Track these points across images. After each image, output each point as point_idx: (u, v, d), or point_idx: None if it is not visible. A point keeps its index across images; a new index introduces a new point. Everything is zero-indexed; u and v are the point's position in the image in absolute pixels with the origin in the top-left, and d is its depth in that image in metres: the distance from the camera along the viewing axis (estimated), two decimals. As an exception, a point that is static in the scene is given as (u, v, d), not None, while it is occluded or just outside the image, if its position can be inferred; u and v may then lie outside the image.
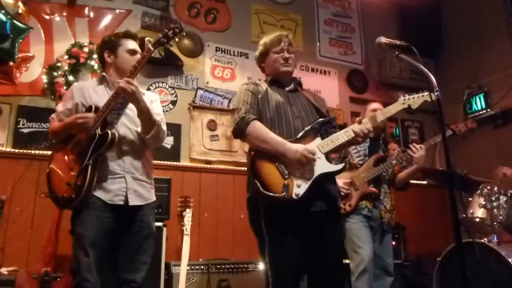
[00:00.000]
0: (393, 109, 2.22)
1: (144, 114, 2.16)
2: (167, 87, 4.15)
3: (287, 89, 2.24)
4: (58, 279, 2.72)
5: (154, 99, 2.40)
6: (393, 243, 3.23)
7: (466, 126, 3.04)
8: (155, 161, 3.61)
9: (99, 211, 2.06)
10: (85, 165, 2.07)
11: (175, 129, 4.04)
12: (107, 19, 4.04)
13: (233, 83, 4.46)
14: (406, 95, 2.26)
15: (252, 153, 2.02)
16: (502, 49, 4.81)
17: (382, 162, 2.95)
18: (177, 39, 2.20)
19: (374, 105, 3.15)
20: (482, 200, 3.15)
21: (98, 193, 2.09)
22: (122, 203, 2.12)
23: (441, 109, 1.75)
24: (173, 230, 3.42)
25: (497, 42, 4.86)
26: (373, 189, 2.92)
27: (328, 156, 2.03)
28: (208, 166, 4.09)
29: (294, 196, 1.88)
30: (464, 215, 3.32)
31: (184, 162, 4.01)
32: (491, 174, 3.53)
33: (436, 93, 1.73)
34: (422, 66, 1.85)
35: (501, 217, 3.05)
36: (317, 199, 1.96)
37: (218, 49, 4.49)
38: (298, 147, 1.94)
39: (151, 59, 4.00)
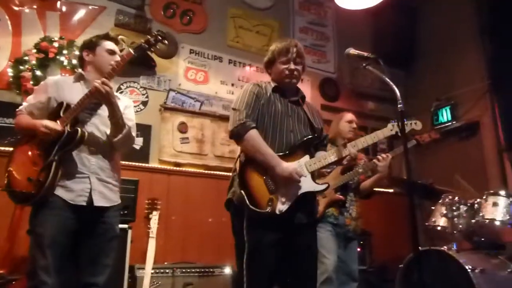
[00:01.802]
0: (381, 134, 2.28)
1: (115, 117, 2.15)
2: (138, 87, 4.12)
3: (289, 99, 2.26)
4: (14, 282, 2.63)
5: (129, 105, 2.40)
6: (359, 249, 3.29)
7: (430, 137, 3.15)
8: (123, 162, 3.56)
9: (60, 210, 2.01)
10: (50, 160, 2.02)
11: (145, 130, 4.01)
12: (79, 14, 3.97)
13: (206, 86, 4.47)
14: (395, 121, 2.30)
15: (243, 160, 2.09)
16: (471, 64, 5.01)
17: (349, 171, 3.02)
18: (158, 47, 2.23)
19: (349, 117, 3.23)
20: (444, 209, 3.26)
21: (60, 192, 2.04)
22: (84, 203, 2.08)
23: (403, 121, 1.82)
24: (139, 232, 3.38)
25: (467, 58, 5.06)
26: (340, 196, 2.99)
27: (313, 175, 2.10)
28: (178, 168, 4.07)
29: (277, 212, 1.98)
30: (427, 223, 3.44)
31: (153, 164, 3.98)
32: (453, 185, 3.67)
33: (399, 105, 1.80)
34: (387, 79, 1.91)
35: (461, 226, 3.17)
36: (298, 213, 2.04)
37: (192, 51, 4.49)
38: (289, 166, 2.02)
39: (123, 58, 4.01)
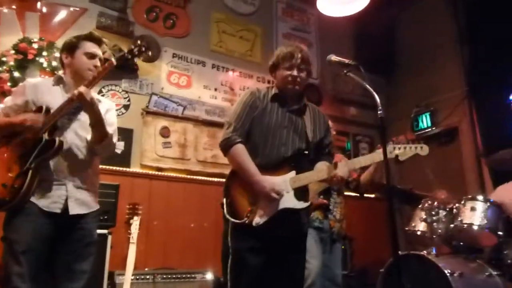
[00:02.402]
0: (377, 157, 2.20)
1: (97, 125, 2.11)
2: (120, 90, 4.08)
3: (288, 109, 2.24)
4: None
5: (110, 108, 2.33)
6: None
7: (405, 138, 3.20)
8: (103, 166, 3.53)
9: (35, 217, 1.96)
10: (26, 168, 1.98)
11: (126, 134, 3.96)
12: (60, 16, 3.91)
13: (189, 90, 4.45)
14: (394, 143, 2.25)
15: (232, 168, 2.13)
16: (450, 71, 5.12)
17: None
18: (141, 58, 2.22)
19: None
20: (423, 214, 3.31)
21: (35, 199, 1.99)
22: (59, 211, 2.03)
23: (383, 127, 1.84)
24: (119, 238, 3.33)
25: (446, 65, 5.17)
26: (324, 200, 3.00)
27: (297, 191, 2.09)
28: (160, 173, 4.03)
29: (253, 224, 1.99)
30: (407, 228, 3.48)
31: (134, 168, 3.93)
32: (433, 190, 3.72)
33: (379, 111, 1.83)
34: (367, 85, 1.94)
35: (440, 231, 3.22)
36: (279, 227, 2.03)
37: (175, 55, 4.46)
38: (266, 183, 2.01)
39: (105, 61, 3.94)
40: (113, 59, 2.12)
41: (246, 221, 1.98)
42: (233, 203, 2.05)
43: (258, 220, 1.99)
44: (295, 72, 2.18)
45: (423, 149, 2.31)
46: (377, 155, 2.21)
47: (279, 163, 2.11)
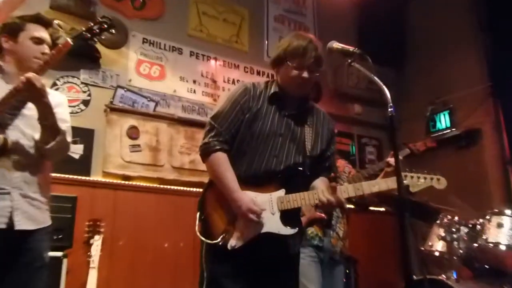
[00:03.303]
0: (384, 185, 2.12)
1: (48, 120, 2.08)
2: (78, 83, 4.02)
3: (287, 113, 2.20)
4: None
5: (61, 102, 2.30)
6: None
7: (425, 145, 3.22)
8: (57, 174, 3.48)
9: None
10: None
11: (86, 136, 3.91)
12: (5, -7, 3.85)
13: (162, 83, 4.42)
14: (408, 172, 2.22)
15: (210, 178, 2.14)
16: (469, 64, 5.17)
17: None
18: (103, 37, 2.17)
19: None
20: (441, 231, 3.32)
21: None
22: (4, 226, 1.99)
23: (393, 126, 1.83)
24: (77, 261, 3.28)
25: (465, 57, 5.22)
26: (322, 214, 2.99)
27: (284, 214, 2.06)
28: (126, 182, 3.99)
29: (228, 247, 1.99)
30: (423, 248, 3.49)
31: (95, 177, 3.88)
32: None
33: (389, 109, 1.82)
34: (375, 78, 1.92)
35: (461, 251, 3.23)
36: (259, 251, 2.02)
37: (146, 40, 4.43)
38: (243, 203, 1.99)
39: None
40: (68, 39, 2.07)
41: (220, 243, 1.99)
42: (208, 219, 2.06)
43: (233, 243, 2.00)
44: (305, 74, 2.12)
45: (440, 182, 2.32)
46: (385, 183, 2.11)
47: (267, 177, 2.09)
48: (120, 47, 4.28)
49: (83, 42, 3.98)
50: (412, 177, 2.24)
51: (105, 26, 2.14)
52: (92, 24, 2.13)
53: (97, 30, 2.13)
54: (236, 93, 2.19)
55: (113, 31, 2.17)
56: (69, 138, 2.23)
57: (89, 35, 2.13)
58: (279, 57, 2.21)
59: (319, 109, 2.36)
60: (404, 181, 2.20)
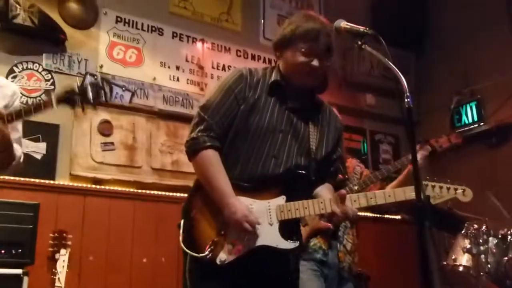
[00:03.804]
0: (401, 195, 2.11)
1: (4, 151, 2.12)
2: (40, 69, 4.03)
3: (289, 106, 2.21)
4: None
5: (14, 93, 2.31)
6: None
7: (450, 142, 3.23)
8: (16, 178, 3.49)
9: None
10: None
11: (50, 132, 3.92)
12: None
13: (140, 69, 4.42)
14: (429, 181, 2.23)
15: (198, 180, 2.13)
16: (501, 48, 5.21)
17: (340, 187, 3.06)
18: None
19: None
20: (467, 243, 3.36)
21: None
22: None
23: (411, 120, 1.85)
24: (39, 279, 3.29)
25: (496, 40, 5.26)
26: (327, 224, 3.01)
27: (284, 225, 2.06)
28: (98, 187, 4.01)
29: (217, 262, 1.98)
30: (445, 263, 3.53)
31: (61, 181, 3.90)
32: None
33: (407, 99, 1.84)
34: (390, 63, 1.94)
35: (489, 266, 3.28)
36: (254, 266, 2.03)
37: (119, 19, 4.43)
38: (237, 209, 1.99)
39: (18, 28, 3.89)
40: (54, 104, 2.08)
41: (208, 257, 1.98)
42: (194, 229, 2.05)
43: (223, 257, 1.99)
44: (316, 62, 2.12)
45: (466, 194, 2.35)
46: (403, 192, 2.10)
47: (265, 181, 2.10)
48: (89, 27, 4.28)
49: (45, 20, 3.99)
50: (433, 186, 2.25)
51: None
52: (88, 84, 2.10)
53: None
54: (230, 80, 2.18)
55: None
56: (19, 151, 2.25)
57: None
58: (286, 39, 2.19)
59: (326, 104, 2.37)
60: (426, 191, 2.21)
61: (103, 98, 2.11)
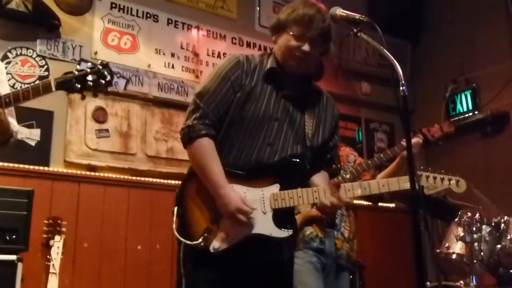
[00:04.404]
0: (395, 185, 2.12)
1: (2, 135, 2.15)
2: (34, 55, 4.01)
3: (285, 93, 2.20)
4: None
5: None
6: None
7: (442, 130, 3.24)
8: (10, 164, 3.49)
9: None
10: None
11: (44, 119, 3.91)
12: None
13: (134, 56, 4.41)
14: (423, 172, 2.25)
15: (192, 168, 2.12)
16: (497, 36, 5.22)
17: (333, 176, 3.06)
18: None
19: None
20: (460, 231, 3.38)
21: None
22: None
23: (406, 108, 1.86)
24: (33, 266, 3.31)
25: (492, 28, 5.26)
26: (319, 212, 3.02)
27: (278, 214, 2.06)
28: (92, 174, 4.00)
29: (211, 249, 1.99)
30: (439, 251, 3.55)
31: (55, 167, 3.89)
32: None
33: (401, 87, 1.84)
34: (385, 51, 1.94)
35: (482, 254, 3.30)
36: (248, 255, 2.03)
37: (114, 5, 4.41)
38: (231, 200, 1.99)
39: (12, 13, 3.86)
40: (52, 86, 2.06)
41: (202, 244, 1.99)
42: (187, 216, 2.06)
43: (217, 244, 2.00)
44: (306, 47, 2.11)
45: (459, 185, 2.36)
46: (397, 182, 2.11)
47: (259, 169, 2.10)
48: (84, 13, 4.25)
49: (39, 5, 3.96)
50: (427, 177, 2.26)
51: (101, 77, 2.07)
52: (89, 69, 2.06)
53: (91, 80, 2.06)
54: (227, 67, 2.17)
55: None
56: (16, 126, 2.29)
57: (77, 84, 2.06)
58: (280, 23, 2.19)
59: (322, 91, 2.36)
60: (420, 181, 2.21)
61: (104, 87, 2.07)
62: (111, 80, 2.04)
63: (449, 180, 2.27)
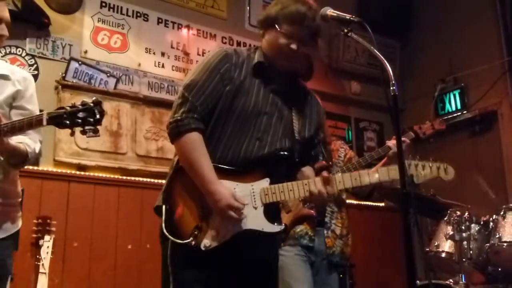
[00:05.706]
0: (385, 175, 2.15)
1: (13, 159, 2.18)
2: (23, 54, 3.99)
3: (274, 88, 2.19)
4: None
5: (26, 83, 2.41)
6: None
7: (433, 128, 3.26)
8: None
9: None
10: None
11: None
12: None
13: (124, 55, 4.41)
14: (412, 160, 2.26)
15: (180, 164, 2.08)
16: (485, 36, 5.26)
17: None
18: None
19: None
20: (449, 230, 3.40)
21: None
22: None
23: (396, 107, 1.87)
24: (22, 266, 3.30)
25: (480, 28, 5.31)
26: (311, 211, 3.02)
27: (269, 208, 2.06)
28: (82, 173, 3.99)
29: (202, 247, 1.96)
30: (428, 249, 3.57)
31: (45, 167, 3.88)
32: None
33: (392, 87, 1.85)
34: (375, 51, 1.94)
35: (471, 252, 3.32)
36: (239, 252, 2.02)
37: (104, 4, 4.40)
38: (221, 197, 1.97)
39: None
40: (44, 119, 2.04)
41: (192, 243, 1.96)
42: (176, 213, 2.03)
43: (208, 242, 1.98)
44: (294, 46, 2.10)
45: (448, 172, 2.35)
46: (387, 172, 2.14)
47: (248, 164, 2.08)
48: (74, 12, 4.24)
49: (28, 3, 3.94)
50: (416, 165, 2.26)
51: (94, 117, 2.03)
52: (80, 106, 2.01)
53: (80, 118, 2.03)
54: (216, 60, 2.13)
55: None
56: (38, 146, 2.31)
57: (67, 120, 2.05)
58: (270, 18, 2.17)
59: (309, 90, 2.37)
60: (409, 170, 2.22)
61: (92, 124, 2.06)
62: (101, 119, 2.02)
63: (438, 167, 2.27)
